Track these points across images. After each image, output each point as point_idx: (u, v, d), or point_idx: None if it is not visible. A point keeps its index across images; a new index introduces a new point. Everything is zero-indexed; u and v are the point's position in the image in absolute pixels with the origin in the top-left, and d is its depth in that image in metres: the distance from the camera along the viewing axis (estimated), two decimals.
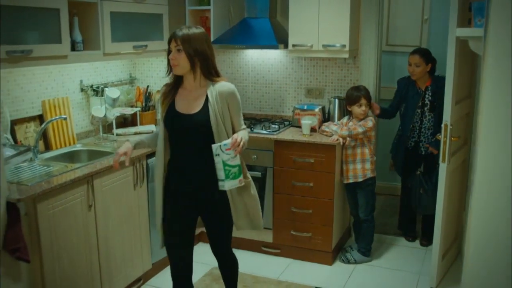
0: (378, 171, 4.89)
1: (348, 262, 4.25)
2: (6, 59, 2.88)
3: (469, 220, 2.54)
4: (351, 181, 4.14)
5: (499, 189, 2.32)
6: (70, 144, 3.82)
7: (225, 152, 2.64)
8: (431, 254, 3.88)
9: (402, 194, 4.77)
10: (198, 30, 2.79)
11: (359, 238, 4.32)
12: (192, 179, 2.88)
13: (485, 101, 2.31)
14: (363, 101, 4.05)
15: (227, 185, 2.70)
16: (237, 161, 2.69)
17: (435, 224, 3.75)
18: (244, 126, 2.93)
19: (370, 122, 4.02)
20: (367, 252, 4.29)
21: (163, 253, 3.99)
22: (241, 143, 2.69)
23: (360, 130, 3.98)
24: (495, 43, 2.24)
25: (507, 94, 2.21)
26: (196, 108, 2.82)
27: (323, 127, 4.24)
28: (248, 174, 2.97)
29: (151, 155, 3.76)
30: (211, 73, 2.84)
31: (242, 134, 2.79)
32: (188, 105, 2.85)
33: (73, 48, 3.48)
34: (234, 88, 2.87)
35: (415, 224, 4.78)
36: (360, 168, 4.10)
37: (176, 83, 2.90)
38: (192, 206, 2.97)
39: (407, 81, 4.40)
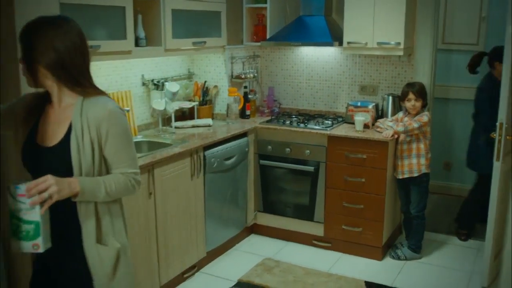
0: (431, 170, 4.88)
1: (398, 258, 4.28)
2: None
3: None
4: (406, 176, 4.16)
5: None
6: (132, 136, 4.01)
7: (17, 198, 1.79)
8: (483, 253, 3.87)
9: (476, 191, 4.69)
10: (52, 22, 1.93)
11: (410, 235, 4.34)
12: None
13: None
14: (411, 96, 4.06)
15: (15, 245, 1.86)
16: (34, 216, 1.79)
17: (488, 223, 3.73)
18: (129, 170, 2.01)
19: (425, 117, 4.03)
20: (418, 249, 4.30)
21: (217, 241, 4.17)
22: (47, 191, 1.76)
23: (415, 125, 4.00)
24: None
25: None
26: (57, 137, 1.95)
27: (377, 123, 4.28)
28: (114, 240, 2.01)
29: (208, 146, 3.91)
30: (77, 83, 1.94)
31: (84, 182, 1.87)
32: (49, 131, 1.97)
33: (136, 44, 3.66)
34: (113, 108, 1.95)
35: (475, 224, 4.75)
36: (416, 163, 4.12)
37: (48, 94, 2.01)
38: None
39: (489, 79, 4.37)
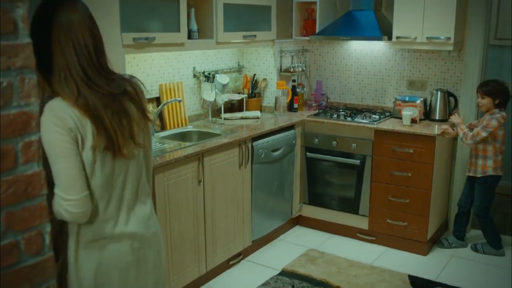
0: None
1: (476, 251, 4.32)
2: (133, 45, 3.22)
3: None
4: (471, 174, 4.17)
5: None
6: (182, 125, 4.15)
7: None
8: None
9: None
10: None
11: (483, 233, 4.33)
12: None
13: None
14: (478, 94, 4.06)
15: None
16: None
17: None
18: (56, 190, 1.73)
19: (494, 122, 3.95)
20: (495, 245, 4.27)
21: (263, 231, 4.26)
22: None
23: (483, 134, 3.95)
24: None
25: None
26: None
27: (447, 127, 4.17)
28: None
29: (256, 138, 4.00)
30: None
31: None
32: None
33: (189, 37, 3.77)
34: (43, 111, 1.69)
35: None
36: (481, 164, 4.09)
37: None
38: None
39: None
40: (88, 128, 1.73)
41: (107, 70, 1.84)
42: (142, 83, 1.97)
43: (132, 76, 1.96)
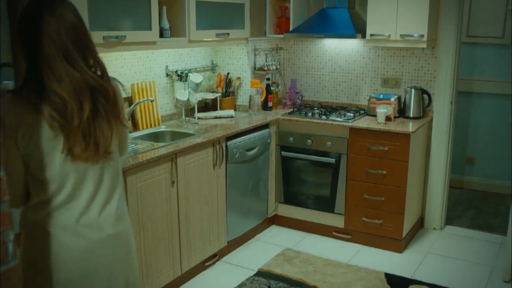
0: (453, 164, 4.89)
1: None
2: (103, 44, 3.14)
3: None
4: None
5: None
6: (155, 125, 4.07)
7: None
8: (505, 247, 3.85)
9: None
10: None
11: None
12: None
13: None
14: None
15: None
16: None
17: (510, 217, 3.72)
18: None
19: None
20: None
21: (238, 231, 4.22)
22: None
23: None
24: None
25: None
26: None
27: None
28: None
29: (230, 137, 3.96)
30: None
31: None
32: None
33: (161, 35, 3.70)
34: None
35: None
36: None
37: None
38: None
39: None
40: None
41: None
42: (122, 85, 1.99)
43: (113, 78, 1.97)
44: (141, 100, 3.84)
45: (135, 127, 3.96)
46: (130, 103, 3.90)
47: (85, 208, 1.89)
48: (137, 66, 3.99)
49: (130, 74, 3.93)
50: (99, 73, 1.90)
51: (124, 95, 3.77)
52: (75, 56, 1.82)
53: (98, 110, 1.85)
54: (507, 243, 3.76)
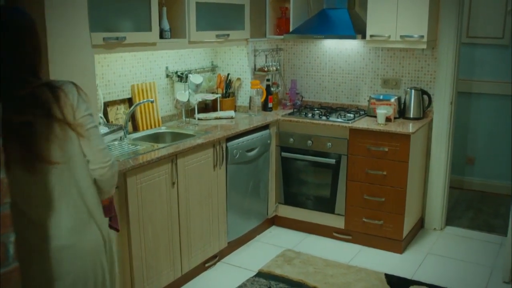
0: (453, 165, 4.89)
1: None
2: (103, 45, 3.14)
3: None
4: None
5: None
6: (155, 126, 4.08)
7: None
8: (505, 248, 3.85)
9: None
10: None
11: None
12: None
13: None
14: None
15: None
16: None
17: (510, 218, 3.72)
18: None
19: None
20: None
21: (239, 232, 4.22)
22: None
23: None
24: None
25: None
26: None
27: None
28: None
29: (230, 138, 3.96)
30: None
31: None
32: None
33: (161, 36, 3.71)
34: None
35: None
36: None
37: None
38: None
39: None
40: None
41: None
42: (78, 90, 1.93)
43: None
44: (141, 101, 3.84)
45: (135, 128, 3.96)
46: (130, 104, 3.91)
47: None
48: (137, 67, 3.99)
49: (130, 75, 3.93)
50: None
51: (121, 96, 3.79)
52: None
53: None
54: (507, 243, 3.76)
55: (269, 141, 4.44)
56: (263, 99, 4.76)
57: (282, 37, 4.83)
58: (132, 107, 3.81)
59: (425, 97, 4.51)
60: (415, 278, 3.88)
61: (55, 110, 1.83)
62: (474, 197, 5.61)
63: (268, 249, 4.34)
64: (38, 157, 1.82)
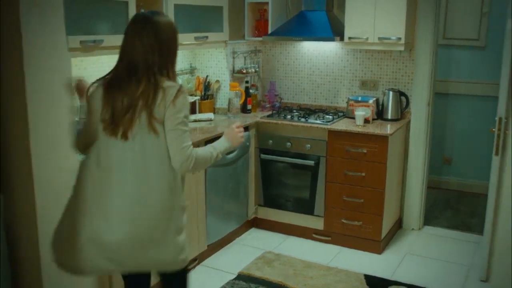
0: (431, 165, 4.94)
1: None
2: (80, 48, 3.10)
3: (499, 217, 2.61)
4: None
5: None
6: None
7: None
8: (482, 247, 3.90)
9: None
10: None
11: None
12: None
13: None
14: None
15: None
16: None
17: (486, 217, 3.77)
18: None
19: None
20: None
21: (218, 235, 4.21)
22: None
23: None
24: None
25: None
26: None
27: None
28: None
29: (210, 140, 3.93)
30: None
31: None
32: None
33: None
34: None
35: None
36: None
37: None
38: None
39: None
40: None
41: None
42: (178, 95, 2.25)
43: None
44: None
45: None
46: None
47: None
48: None
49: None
50: None
51: None
52: None
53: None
54: (484, 242, 3.81)
55: (248, 144, 4.44)
56: (242, 101, 4.75)
57: (260, 39, 4.83)
58: None
59: (403, 98, 4.55)
60: (394, 278, 3.92)
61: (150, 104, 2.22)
62: (452, 197, 5.68)
63: (248, 251, 4.34)
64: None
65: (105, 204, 2.28)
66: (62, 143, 2.76)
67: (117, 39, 3.33)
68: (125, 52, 2.32)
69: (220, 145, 2.51)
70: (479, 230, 4.57)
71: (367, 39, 4.33)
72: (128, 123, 2.23)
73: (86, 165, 2.36)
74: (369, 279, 3.87)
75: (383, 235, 4.30)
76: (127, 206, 2.28)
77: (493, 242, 3.72)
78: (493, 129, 3.59)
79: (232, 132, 2.56)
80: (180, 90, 2.25)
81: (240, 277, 3.88)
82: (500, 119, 3.50)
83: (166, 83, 2.25)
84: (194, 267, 3.99)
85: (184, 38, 4.02)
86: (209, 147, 2.47)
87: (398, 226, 4.78)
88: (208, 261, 4.13)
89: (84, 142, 2.41)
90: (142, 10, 3.67)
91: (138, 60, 2.26)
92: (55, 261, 2.40)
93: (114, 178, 2.28)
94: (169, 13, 3.82)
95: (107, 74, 2.37)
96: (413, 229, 4.78)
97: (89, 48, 3.18)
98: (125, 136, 2.24)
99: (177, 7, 3.89)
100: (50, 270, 2.65)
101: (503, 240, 2.74)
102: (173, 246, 2.42)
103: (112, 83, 2.31)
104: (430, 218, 5.01)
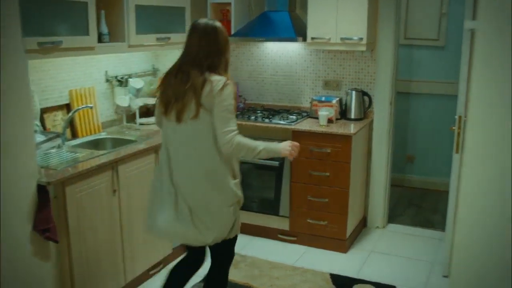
0: (394, 163, 5.00)
1: None
2: (38, 50, 3.03)
3: (457, 214, 2.66)
4: None
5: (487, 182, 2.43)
6: (95, 132, 3.98)
7: None
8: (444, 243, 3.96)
9: None
10: None
11: None
12: None
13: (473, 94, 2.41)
14: None
15: None
16: None
17: (448, 213, 3.84)
18: None
19: None
20: None
21: None
22: None
23: None
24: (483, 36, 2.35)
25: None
26: None
27: None
28: None
29: None
30: None
31: None
32: None
33: (99, 40, 3.61)
34: None
35: None
36: None
37: None
38: None
39: None
40: None
41: None
42: (224, 87, 2.59)
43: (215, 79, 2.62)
44: (80, 107, 3.74)
45: (74, 135, 3.85)
46: (69, 110, 3.79)
47: None
48: (76, 71, 3.88)
49: (69, 80, 3.82)
50: None
51: (59, 102, 3.68)
52: None
53: None
54: (446, 238, 3.87)
55: None
56: None
57: None
58: (70, 113, 3.70)
59: (366, 98, 4.59)
60: (360, 276, 3.95)
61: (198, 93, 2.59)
62: (415, 195, 5.76)
63: None
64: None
65: (169, 174, 2.73)
66: (20, 147, 2.69)
67: (77, 41, 3.32)
68: (184, 50, 2.75)
69: (269, 145, 2.81)
70: (442, 227, 4.65)
71: (329, 39, 4.35)
72: (180, 108, 2.62)
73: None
74: (335, 278, 3.90)
75: (348, 234, 4.33)
76: (182, 179, 2.70)
77: (454, 238, 3.79)
78: (453, 128, 3.65)
79: (287, 143, 2.87)
80: (225, 82, 2.60)
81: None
82: (460, 117, 3.56)
83: (214, 77, 2.61)
84: (159, 271, 3.94)
85: (146, 39, 3.98)
86: (258, 141, 2.75)
87: (363, 224, 4.82)
88: (173, 265, 4.08)
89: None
90: (102, 11, 3.64)
91: (191, 57, 2.67)
92: (147, 228, 2.89)
93: (171, 155, 2.73)
94: (130, 14, 3.77)
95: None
96: (377, 227, 4.83)
97: (47, 50, 3.11)
98: (178, 119, 2.64)
99: (138, 7, 3.84)
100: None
101: (461, 236, 2.79)
102: (222, 217, 2.77)
103: (170, 73, 2.77)
104: (394, 216, 5.07)
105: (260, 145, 2.74)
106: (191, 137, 2.67)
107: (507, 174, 2.60)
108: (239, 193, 2.84)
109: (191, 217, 2.70)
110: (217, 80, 2.62)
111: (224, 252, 2.98)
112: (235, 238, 2.96)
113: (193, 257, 3.11)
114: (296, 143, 2.88)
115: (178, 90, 2.65)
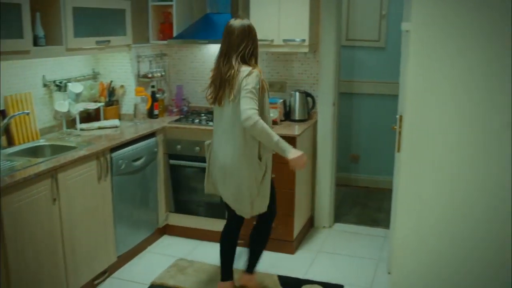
0: (339, 163, 5.05)
1: None
2: None
3: (397, 212, 2.72)
4: None
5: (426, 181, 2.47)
6: (33, 139, 3.83)
7: None
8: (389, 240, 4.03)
9: None
10: None
11: None
12: None
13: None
14: None
15: None
16: None
17: (392, 211, 3.90)
18: None
19: None
20: None
21: (128, 244, 4.09)
22: None
23: None
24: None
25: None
26: None
27: None
28: None
29: (115, 148, 3.81)
30: None
31: None
32: None
33: (35, 43, 3.49)
34: None
35: None
36: None
37: None
38: None
39: None
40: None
41: None
42: (249, 75, 3.11)
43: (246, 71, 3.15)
44: (15, 114, 3.59)
45: (10, 143, 3.69)
46: (4, 117, 3.64)
47: None
48: (11, 76, 3.72)
49: (3, 86, 3.66)
50: None
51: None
52: None
53: None
54: (390, 236, 3.93)
55: (156, 149, 4.34)
56: (148, 107, 4.64)
57: (165, 42, 4.74)
58: (5, 120, 3.55)
59: (309, 99, 4.62)
60: (307, 277, 3.96)
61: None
62: (360, 193, 5.85)
63: (160, 259, 4.23)
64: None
65: (217, 150, 3.34)
66: None
67: (11, 44, 3.18)
68: (220, 46, 3.27)
69: (284, 142, 3.16)
70: (386, 225, 4.72)
71: (272, 41, 4.35)
72: (221, 93, 3.21)
73: None
74: (283, 279, 3.90)
75: (295, 235, 4.33)
76: (225, 150, 3.26)
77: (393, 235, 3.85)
78: (395, 127, 3.70)
79: (300, 152, 3.19)
80: (251, 71, 3.12)
81: (153, 287, 3.78)
82: (401, 117, 3.61)
83: (243, 68, 3.14)
84: (103, 280, 3.84)
85: (85, 43, 3.88)
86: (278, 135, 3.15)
87: (310, 224, 4.85)
88: (118, 273, 3.99)
89: None
90: (37, 13, 3.51)
91: (227, 52, 3.21)
92: (206, 191, 3.60)
93: (217, 132, 3.32)
94: (68, 16, 3.66)
95: None
96: (324, 227, 4.86)
97: None
98: (219, 103, 3.23)
99: (76, 10, 3.73)
100: None
101: (400, 233, 2.86)
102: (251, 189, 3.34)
103: (215, 66, 3.31)
104: (340, 215, 5.12)
105: (278, 138, 3.11)
106: (228, 119, 3.21)
107: (443, 172, 2.67)
108: (263, 167, 3.33)
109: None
110: (245, 70, 3.13)
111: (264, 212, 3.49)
112: (272, 200, 3.52)
113: (236, 218, 3.62)
114: (305, 159, 3.22)
115: (218, 78, 3.21)
